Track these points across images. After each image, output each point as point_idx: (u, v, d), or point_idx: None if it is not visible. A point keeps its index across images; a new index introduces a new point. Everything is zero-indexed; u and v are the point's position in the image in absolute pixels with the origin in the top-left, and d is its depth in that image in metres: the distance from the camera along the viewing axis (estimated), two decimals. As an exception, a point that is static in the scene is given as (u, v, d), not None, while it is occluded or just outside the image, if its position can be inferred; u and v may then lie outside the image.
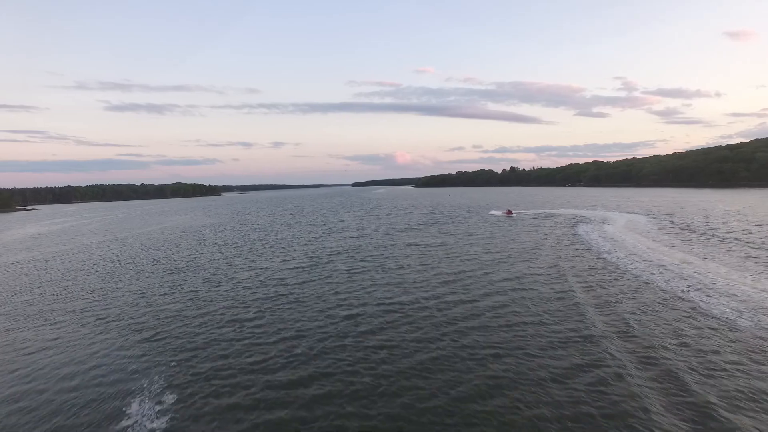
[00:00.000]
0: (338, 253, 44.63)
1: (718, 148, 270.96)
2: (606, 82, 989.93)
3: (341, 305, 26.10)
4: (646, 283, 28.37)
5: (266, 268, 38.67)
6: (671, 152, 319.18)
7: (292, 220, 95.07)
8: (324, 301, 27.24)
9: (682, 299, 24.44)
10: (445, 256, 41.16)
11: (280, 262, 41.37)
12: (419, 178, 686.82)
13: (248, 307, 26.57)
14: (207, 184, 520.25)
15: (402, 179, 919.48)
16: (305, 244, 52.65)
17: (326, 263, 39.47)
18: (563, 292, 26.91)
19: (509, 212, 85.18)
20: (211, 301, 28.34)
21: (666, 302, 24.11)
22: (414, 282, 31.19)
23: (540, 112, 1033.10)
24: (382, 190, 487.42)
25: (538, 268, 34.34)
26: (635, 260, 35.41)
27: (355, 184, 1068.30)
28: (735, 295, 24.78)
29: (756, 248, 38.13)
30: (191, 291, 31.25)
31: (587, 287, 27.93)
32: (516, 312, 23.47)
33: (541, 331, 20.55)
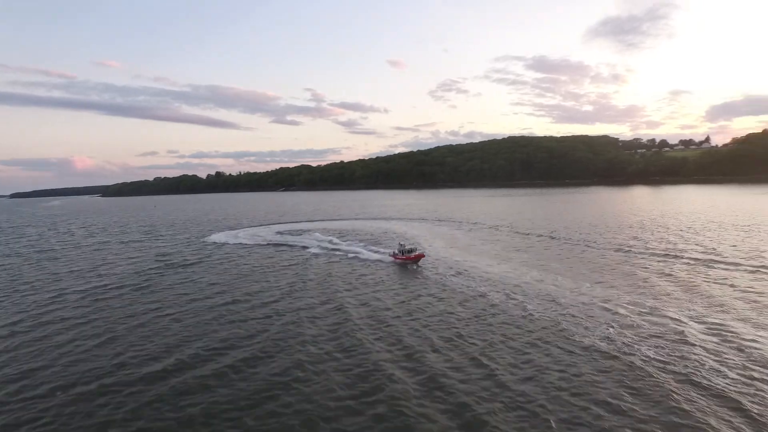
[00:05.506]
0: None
1: (415, 153, 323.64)
2: (298, 93, 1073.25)
3: None
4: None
5: None
6: (354, 159, 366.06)
7: None
8: None
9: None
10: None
11: None
12: (107, 186, 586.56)
13: None
14: None
15: (85, 188, 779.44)
16: None
17: None
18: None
19: (416, 256, 52.90)
20: None
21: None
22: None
23: (238, 118, 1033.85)
24: (57, 202, 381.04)
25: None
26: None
27: (14, 195, 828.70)
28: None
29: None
30: None
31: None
32: None
33: None
